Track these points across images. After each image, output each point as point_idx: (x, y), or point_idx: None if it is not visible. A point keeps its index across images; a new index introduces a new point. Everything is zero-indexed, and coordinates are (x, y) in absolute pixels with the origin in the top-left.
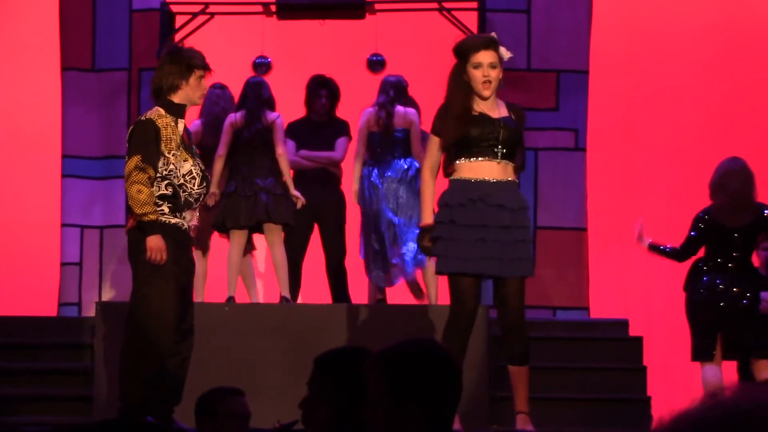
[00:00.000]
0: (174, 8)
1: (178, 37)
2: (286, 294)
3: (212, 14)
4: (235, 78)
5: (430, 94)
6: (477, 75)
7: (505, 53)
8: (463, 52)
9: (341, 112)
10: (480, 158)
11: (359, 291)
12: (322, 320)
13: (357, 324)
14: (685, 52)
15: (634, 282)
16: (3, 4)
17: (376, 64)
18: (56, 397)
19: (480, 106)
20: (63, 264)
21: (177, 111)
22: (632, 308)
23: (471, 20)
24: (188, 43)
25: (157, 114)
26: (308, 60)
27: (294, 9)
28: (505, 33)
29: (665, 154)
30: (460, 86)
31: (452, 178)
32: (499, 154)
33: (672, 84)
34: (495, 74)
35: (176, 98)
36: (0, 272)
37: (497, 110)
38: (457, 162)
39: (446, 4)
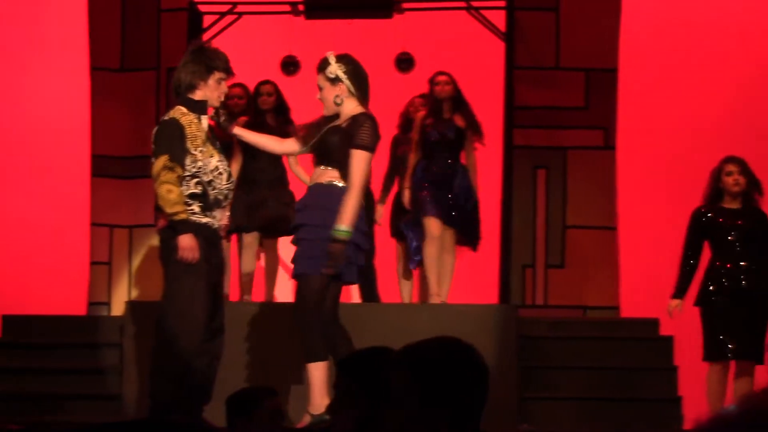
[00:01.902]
0: (202, 8)
1: (205, 36)
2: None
3: (240, 14)
4: (263, 78)
5: None
6: None
7: (333, 71)
8: None
9: (369, 110)
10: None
11: (388, 290)
12: (351, 320)
13: (387, 324)
14: (715, 49)
15: (665, 281)
16: (33, 3)
17: (404, 63)
18: (86, 395)
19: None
20: (92, 263)
21: (198, 108)
22: (664, 307)
23: (499, 19)
24: (216, 42)
25: (180, 112)
26: None
27: (322, 8)
28: (534, 31)
29: (696, 152)
30: None
31: None
32: (315, 160)
33: (703, 81)
34: (322, 95)
35: (195, 97)
36: (31, 271)
37: (335, 122)
38: None
39: (474, 3)
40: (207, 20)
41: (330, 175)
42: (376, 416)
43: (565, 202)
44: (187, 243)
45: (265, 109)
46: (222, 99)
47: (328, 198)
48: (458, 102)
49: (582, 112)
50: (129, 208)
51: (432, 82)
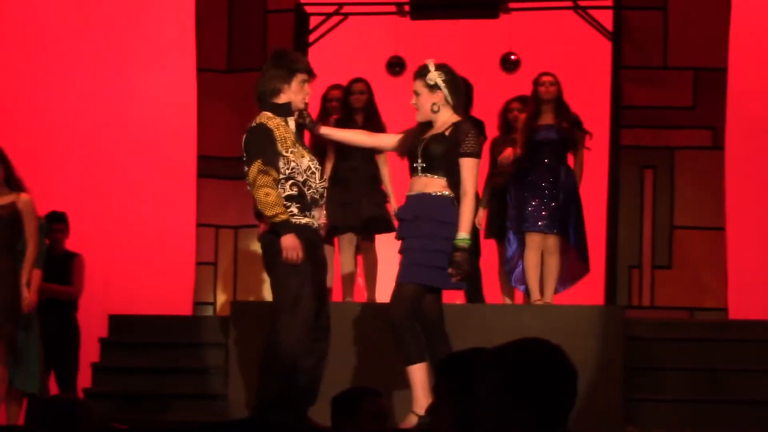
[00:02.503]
0: (308, 9)
1: (311, 37)
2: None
3: (346, 14)
4: (368, 79)
5: (564, 93)
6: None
7: (432, 78)
8: None
9: (475, 111)
10: (411, 173)
11: (492, 292)
12: (455, 321)
13: (492, 325)
14: None
15: None
16: (140, 5)
17: (510, 63)
18: (191, 395)
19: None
20: (198, 263)
21: (284, 111)
22: None
23: (606, 18)
24: (322, 43)
25: (266, 117)
26: (442, 60)
27: (428, 9)
28: (641, 30)
29: None
30: None
31: None
32: (419, 169)
33: None
34: (418, 101)
35: (280, 101)
36: (137, 271)
37: (433, 130)
38: None
39: (581, 3)
40: (313, 21)
41: (438, 185)
42: (474, 417)
43: (672, 202)
44: (290, 243)
45: (357, 107)
46: (306, 101)
47: (439, 209)
48: (560, 104)
49: (690, 111)
50: (234, 209)
51: (536, 82)
